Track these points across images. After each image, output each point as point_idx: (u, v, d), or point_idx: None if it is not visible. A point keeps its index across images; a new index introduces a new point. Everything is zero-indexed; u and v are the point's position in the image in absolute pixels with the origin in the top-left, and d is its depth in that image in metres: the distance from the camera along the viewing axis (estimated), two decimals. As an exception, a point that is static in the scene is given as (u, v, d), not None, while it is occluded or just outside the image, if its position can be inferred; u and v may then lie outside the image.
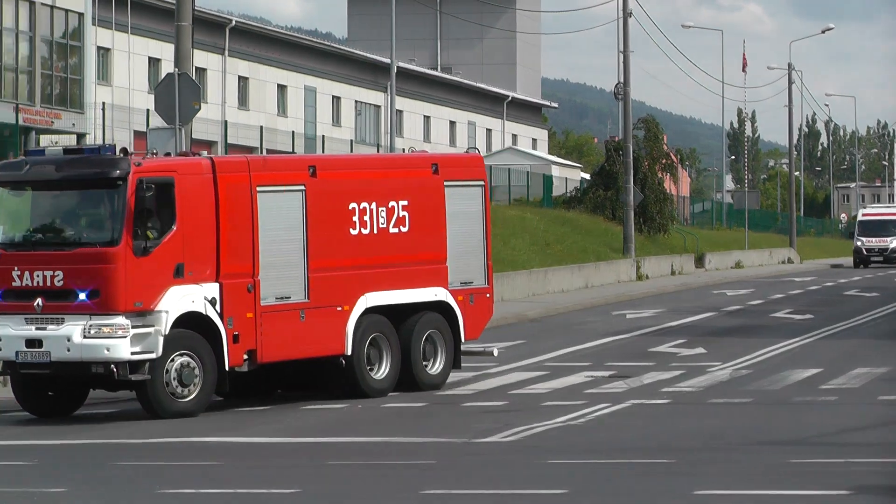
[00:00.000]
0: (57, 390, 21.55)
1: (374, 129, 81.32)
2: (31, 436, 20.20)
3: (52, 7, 53.09)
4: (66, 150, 22.10)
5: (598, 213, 62.13)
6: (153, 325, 20.60)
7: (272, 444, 18.97)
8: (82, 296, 20.44)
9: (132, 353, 20.34)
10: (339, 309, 22.91)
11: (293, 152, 52.22)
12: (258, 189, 21.89)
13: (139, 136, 49.78)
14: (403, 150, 34.76)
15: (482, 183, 24.92)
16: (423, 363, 23.75)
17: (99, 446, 19.12)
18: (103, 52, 60.35)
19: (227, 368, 21.52)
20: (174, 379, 21.07)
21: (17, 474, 16.56)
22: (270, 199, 22.20)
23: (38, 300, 20.48)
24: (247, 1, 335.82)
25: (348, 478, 15.72)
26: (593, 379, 24.58)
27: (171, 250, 21.04)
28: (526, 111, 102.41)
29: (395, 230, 23.62)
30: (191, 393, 21.15)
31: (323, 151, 58.04)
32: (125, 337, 20.38)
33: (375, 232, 23.30)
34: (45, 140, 50.08)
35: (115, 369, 20.38)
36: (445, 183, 24.18)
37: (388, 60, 59.36)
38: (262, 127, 56.35)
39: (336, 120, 78.09)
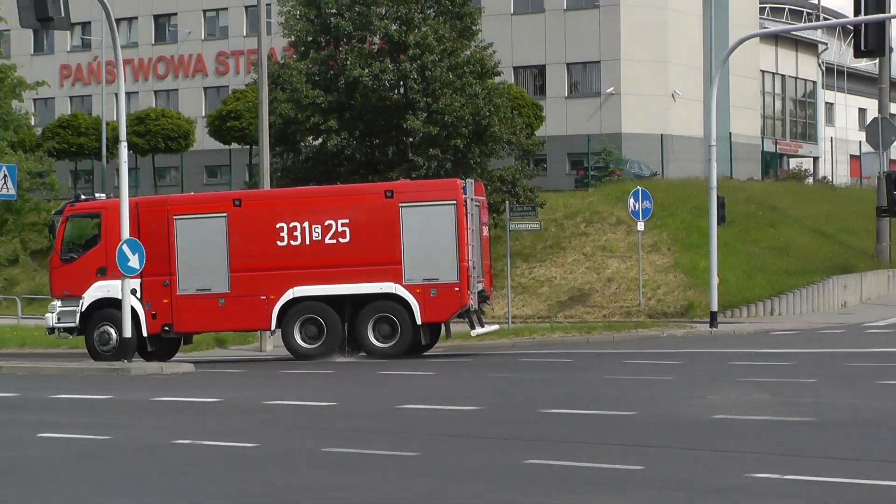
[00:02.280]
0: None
1: None
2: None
3: (795, 78, 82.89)
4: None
5: None
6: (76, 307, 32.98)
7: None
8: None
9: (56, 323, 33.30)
10: (263, 298, 32.08)
11: None
12: (174, 217, 32.75)
13: (854, 158, 78.83)
14: None
15: (454, 202, 31.56)
16: (376, 338, 31.62)
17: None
18: (828, 105, 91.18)
19: (145, 335, 32.58)
20: (97, 340, 33.02)
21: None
22: (188, 224, 32.78)
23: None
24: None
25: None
26: None
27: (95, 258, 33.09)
28: None
29: (333, 241, 31.80)
30: (111, 349, 32.70)
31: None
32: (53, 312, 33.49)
33: (307, 243, 31.94)
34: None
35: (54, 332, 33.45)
36: (401, 204, 31.66)
37: None
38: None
39: None
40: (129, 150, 34.15)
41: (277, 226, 32.12)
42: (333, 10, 46.50)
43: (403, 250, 31.53)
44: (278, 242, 32.06)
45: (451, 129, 45.15)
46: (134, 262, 30.81)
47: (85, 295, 33.05)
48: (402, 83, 46.52)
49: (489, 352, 34.00)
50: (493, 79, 47.56)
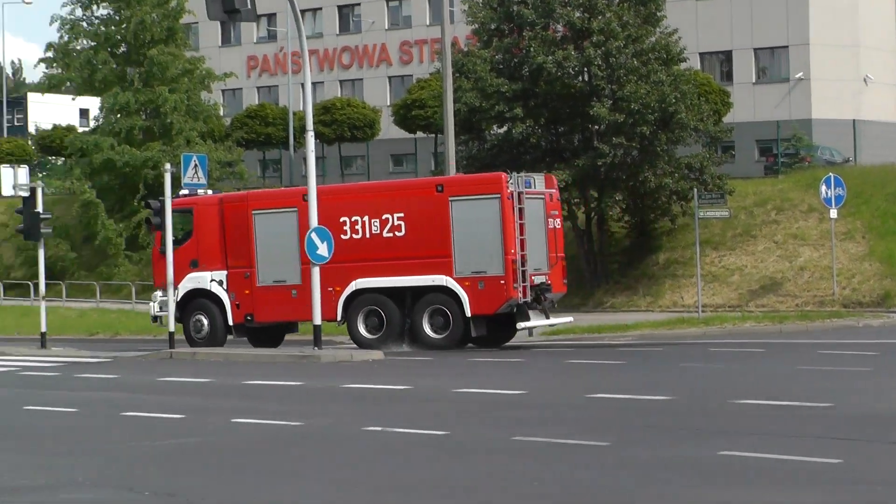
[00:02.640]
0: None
1: None
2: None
3: None
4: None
5: None
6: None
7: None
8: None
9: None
10: (329, 290, 32.46)
11: None
12: (253, 212, 34.30)
13: None
14: None
15: (497, 195, 31.77)
16: (431, 330, 32.19)
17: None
18: None
19: (231, 324, 34.43)
20: (191, 328, 35.01)
21: None
22: (264, 218, 34.19)
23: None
24: None
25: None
26: None
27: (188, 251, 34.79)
28: None
29: (390, 234, 32.63)
30: (204, 336, 34.79)
31: None
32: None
33: (367, 236, 32.85)
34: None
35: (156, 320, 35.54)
36: (450, 198, 32.13)
37: None
38: None
39: None
40: (315, 139, 34.50)
41: (341, 220, 33.04)
42: (516, -1, 46.58)
43: (453, 243, 32.07)
44: (342, 236, 32.81)
45: (636, 117, 44.80)
46: (322, 249, 31.18)
47: (179, 286, 34.75)
48: (585, 70, 46.30)
49: (679, 342, 33.67)
50: (679, 65, 47.08)
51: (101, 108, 66.70)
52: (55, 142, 76.12)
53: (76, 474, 14.75)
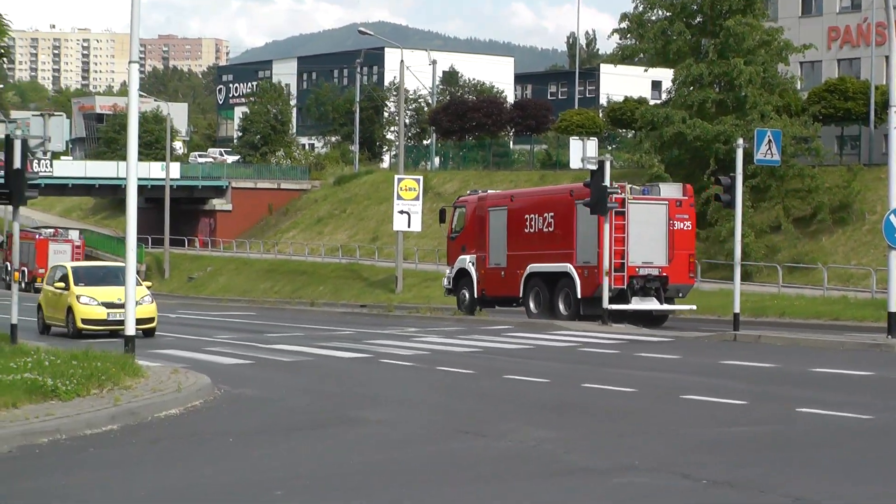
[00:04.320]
0: None
1: None
2: None
3: None
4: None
5: None
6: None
7: None
8: None
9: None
10: (518, 272, 42.94)
11: None
12: (488, 208, 44.99)
13: None
14: None
15: None
16: (563, 307, 41.07)
17: None
18: None
19: (476, 297, 45.52)
20: (459, 300, 46.76)
21: None
22: (493, 214, 44.73)
23: None
24: None
25: None
26: None
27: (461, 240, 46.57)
28: None
29: (547, 230, 42.08)
30: (464, 307, 46.17)
31: None
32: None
33: (535, 231, 42.58)
34: None
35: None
36: (576, 202, 40.73)
37: None
38: None
39: None
40: None
41: (525, 217, 43.27)
42: None
43: (576, 238, 40.86)
44: (525, 229, 43.18)
45: None
46: (904, 233, 30.69)
47: (454, 265, 46.65)
48: None
49: None
50: None
51: (673, 81, 67.03)
52: (626, 114, 77.27)
53: (633, 457, 14.70)
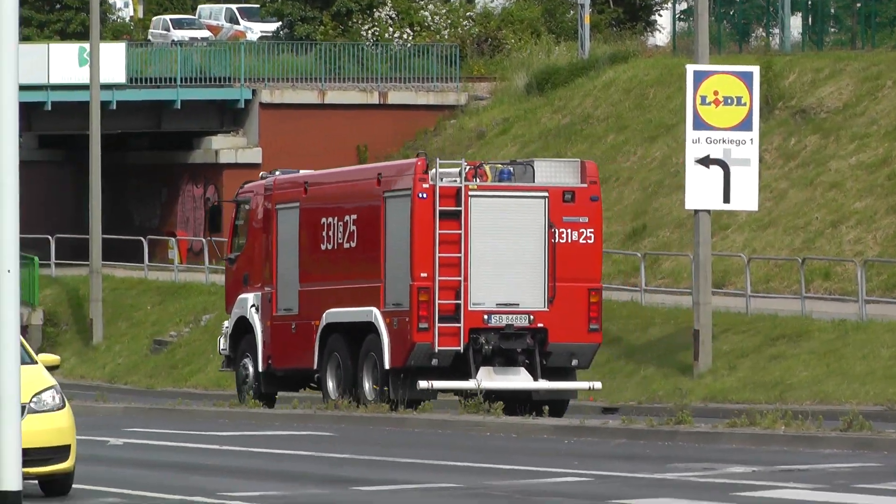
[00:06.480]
0: None
1: None
2: None
3: None
4: None
5: None
6: None
7: None
8: None
9: None
10: (313, 322, 28.77)
11: None
12: (276, 207, 30.22)
13: None
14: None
15: (408, 192, 27.06)
16: (365, 386, 27.58)
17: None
18: None
19: (262, 370, 29.80)
20: None
21: None
22: (282, 217, 30.64)
23: None
24: None
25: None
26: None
27: None
28: None
29: (349, 246, 28.38)
30: None
31: None
32: None
33: (334, 247, 29.03)
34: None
35: None
36: (385, 193, 27.94)
37: None
38: None
39: None
40: None
41: (322, 221, 29.39)
42: None
43: (385, 262, 27.67)
44: (322, 245, 29.25)
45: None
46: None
47: (232, 312, 31.07)
48: None
49: None
50: None
51: None
52: None
53: None
